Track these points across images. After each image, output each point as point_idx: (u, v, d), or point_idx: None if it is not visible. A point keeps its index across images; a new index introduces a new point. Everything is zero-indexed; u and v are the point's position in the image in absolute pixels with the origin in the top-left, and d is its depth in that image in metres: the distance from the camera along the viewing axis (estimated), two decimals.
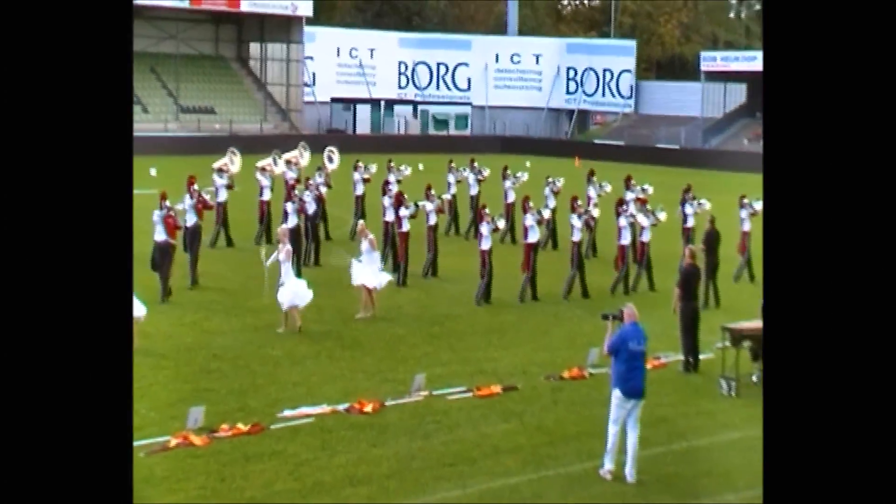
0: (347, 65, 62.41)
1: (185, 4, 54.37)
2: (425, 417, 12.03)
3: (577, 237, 19.20)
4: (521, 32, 67.88)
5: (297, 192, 20.19)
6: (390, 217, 21.08)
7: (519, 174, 26.13)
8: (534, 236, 18.83)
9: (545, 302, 18.66)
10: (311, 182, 22.13)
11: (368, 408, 12.20)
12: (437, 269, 20.76)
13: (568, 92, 64.86)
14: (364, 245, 17.25)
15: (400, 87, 63.90)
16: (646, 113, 63.70)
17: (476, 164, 27.44)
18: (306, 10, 57.53)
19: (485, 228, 18.48)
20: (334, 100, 60.30)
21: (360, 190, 25.55)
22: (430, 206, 20.52)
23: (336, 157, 27.24)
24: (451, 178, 27.01)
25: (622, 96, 63.77)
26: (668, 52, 74.38)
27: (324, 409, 12.13)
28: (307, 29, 58.17)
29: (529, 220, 18.74)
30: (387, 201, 21.58)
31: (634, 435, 10.35)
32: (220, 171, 24.13)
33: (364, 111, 59.64)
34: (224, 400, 12.40)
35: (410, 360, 14.47)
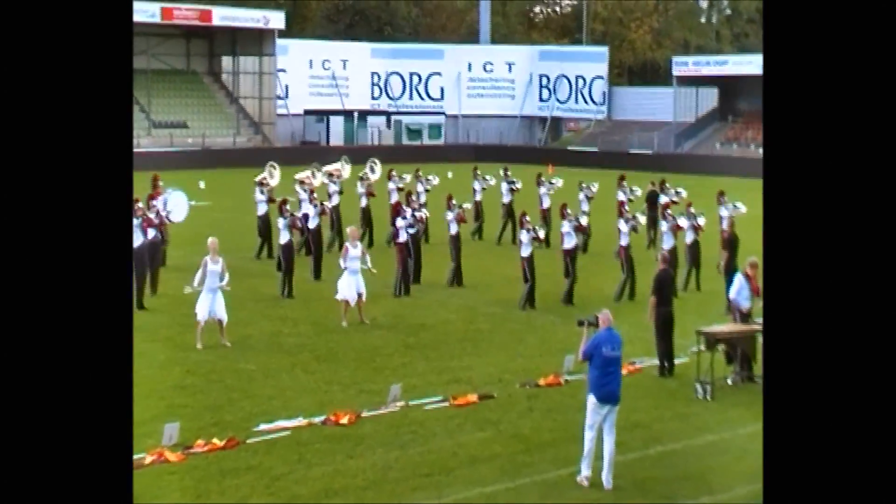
0: (320, 76, 62.38)
1: (157, 19, 54.18)
2: (401, 428, 12.01)
3: (624, 241, 19.66)
4: (493, 41, 68.09)
5: (289, 207, 20.19)
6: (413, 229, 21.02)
7: (554, 181, 26.50)
8: (570, 242, 19.06)
9: (587, 305, 18.37)
10: (314, 196, 22.07)
11: (344, 419, 12.16)
12: (461, 278, 20.87)
13: (541, 99, 65.09)
14: (352, 251, 17.28)
15: (373, 98, 63.93)
16: (619, 119, 64.02)
17: (509, 173, 27.92)
18: (278, 22, 57.50)
19: (524, 236, 18.69)
20: (307, 112, 60.27)
21: (394, 198, 25.63)
22: (450, 216, 20.73)
23: (378, 167, 27.65)
24: (477, 186, 27.60)
25: (595, 103, 64.05)
26: (639, 57, 74.80)
27: (299, 422, 12.08)
28: (279, 41, 58.11)
29: (566, 226, 19.03)
30: (408, 212, 21.56)
31: (611, 440, 10.37)
32: (260, 184, 24.22)
33: (337, 123, 59.61)
34: (199, 415, 12.33)
35: (386, 371, 14.44)
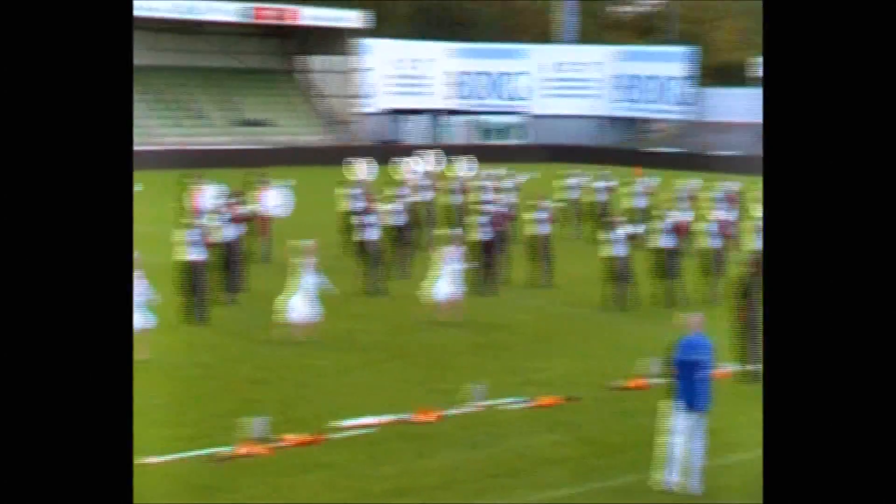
0: (403, 75, 62.76)
1: (244, 19, 55.21)
2: (473, 428, 12.01)
3: (710, 242, 19.62)
4: (575, 40, 67.66)
5: (371, 204, 20.43)
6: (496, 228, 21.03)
7: (649, 179, 26.43)
8: (667, 242, 18.87)
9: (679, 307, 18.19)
10: (396, 194, 22.26)
11: (417, 418, 12.21)
12: (550, 278, 20.79)
13: (622, 100, 64.46)
14: (448, 253, 17.44)
15: (454, 97, 64.08)
16: (703, 120, 63.00)
17: (604, 172, 28.13)
18: (362, 22, 58.08)
19: (616, 235, 18.62)
20: (390, 110, 60.71)
21: (484, 197, 25.83)
22: (538, 216, 20.65)
23: (470, 165, 27.94)
24: (570, 185, 27.75)
25: (679, 103, 63.18)
26: (724, 57, 73.53)
27: (372, 419, 12.16)
28: (363, 41, 58.66)
29: (664, 226, 18.97)
30: (493, 209, 21.48)
31: (695, 446, 10.17)
32: (350, 181, 24.60)
33: (419, 122, 59.98)
34: (274, 411, 12.48)
35: (458, 371, 14.46)
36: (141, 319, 14.31)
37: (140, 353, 14.47)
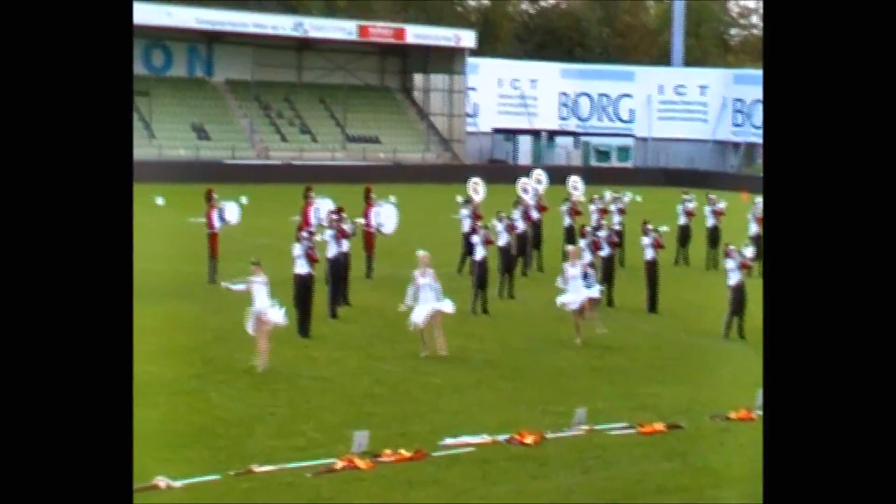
0: (509, 95, 62.90)
1: (353, 37, 56.14)
2: (585, 452, 11.86)
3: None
4: (687, 63, 66.84)
5: (480, 224, 20.47)
6: (604, 251, 20.91)
7: (758, 204, 26.11)
8: None
9: None
10: (502, 214, 22.29)
11: (529, 439, 12.12)
12: (656, 304, 20.50)
13: (735, 124, 63.34)
14: (571, 270, 17.41)
15: (561, 118, 63.90)
16: None
17: (713, 197, 27.79)
18: (469, 41, 58.48)
19: (731, 263, 18.28)
20: (496, 130, 60.86)
21: (594, 220, 25.86)
22: (646, 241, 20.51)
23: (581, 185, 27.89)
24: (681, 209, 27.45)
25: None
26: None
27: (484, 438, 12.11)
28: (470, 60, 59.04)
29: None
30: (603, 233, 21.39)
31: None
32: (466, 202, 24.78)
33: (525, 142, 59.97)
34: (387, 425, 12.55)
35: (571, 393, 14.32)
36: (278, 314, 14.80)
37: (259, 361, 14.80)
